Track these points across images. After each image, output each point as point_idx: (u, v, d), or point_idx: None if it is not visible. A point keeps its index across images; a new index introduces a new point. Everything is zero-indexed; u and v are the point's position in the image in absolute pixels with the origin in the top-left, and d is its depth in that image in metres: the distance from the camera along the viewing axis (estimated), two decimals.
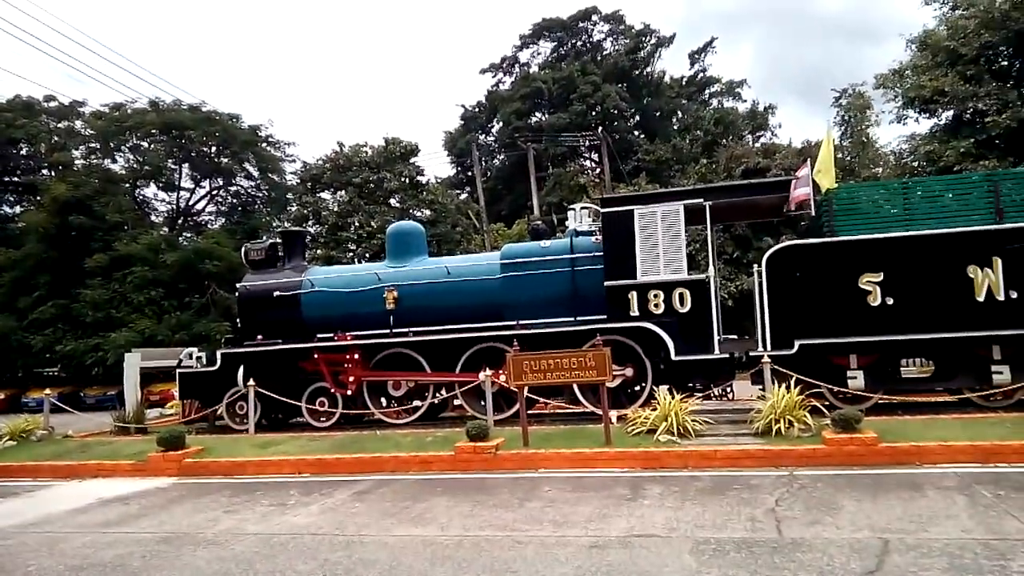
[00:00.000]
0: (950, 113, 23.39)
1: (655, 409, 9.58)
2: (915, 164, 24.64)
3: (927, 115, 24.63)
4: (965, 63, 22.45)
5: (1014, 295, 9.73)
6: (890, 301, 10.15)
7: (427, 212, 33.98)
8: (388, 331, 12.69)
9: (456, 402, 12.71)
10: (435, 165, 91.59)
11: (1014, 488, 6.55)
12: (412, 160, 35.84)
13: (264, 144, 38.90)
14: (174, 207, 39.59)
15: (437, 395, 12.51)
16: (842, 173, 23.01)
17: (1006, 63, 22.93)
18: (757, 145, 35.45)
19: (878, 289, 10.21)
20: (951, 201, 10.66)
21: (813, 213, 11.39)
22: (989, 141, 21.24)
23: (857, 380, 10.37)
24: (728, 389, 11.50)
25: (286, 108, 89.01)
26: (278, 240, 15.05)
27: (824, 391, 10.26)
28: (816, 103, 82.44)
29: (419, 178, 35.97)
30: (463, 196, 43.37)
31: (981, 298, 9.86)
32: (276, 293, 13.49)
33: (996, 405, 10.07)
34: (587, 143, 40.02)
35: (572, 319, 11.71)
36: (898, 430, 8.59)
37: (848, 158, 29.89)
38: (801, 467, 7.99)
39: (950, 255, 10.03)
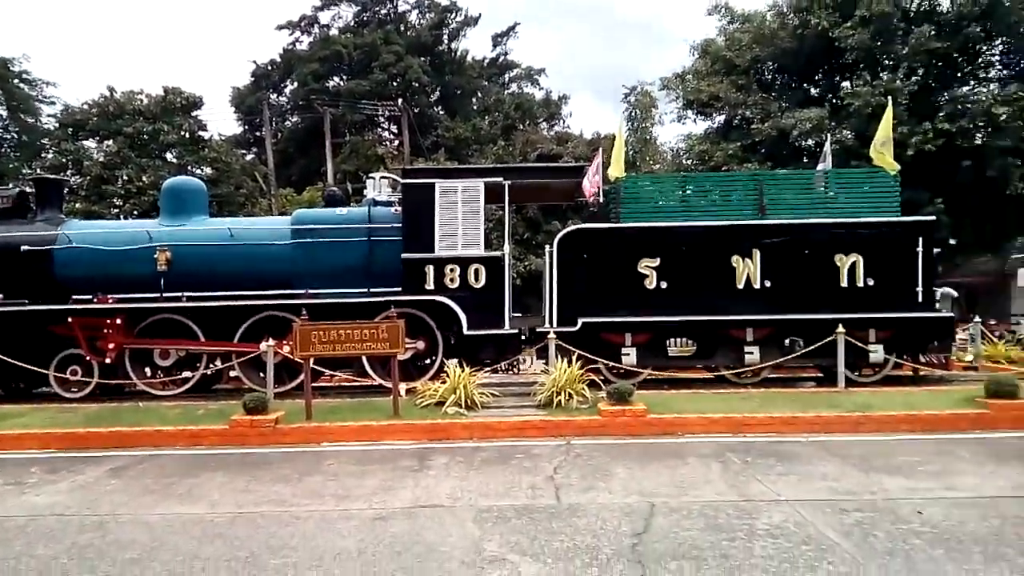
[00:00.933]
0: (723, 117, 25.63)
1: (445, 382, 9.62)
2: (688, 162, 26.79)
3: (703, 117, 26.84)
4: (738, 73, 24.68)
5: (768, 284, 10.93)
6: (664, 285, 10.98)
7: (208, 170, 31.49)
8: (158, 295, 11.60)
9: (232, 374, 11.93)
10: (220, 122, 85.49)
11: (760, 455, 7.32)
12: (194, 113, 32.99)
13: (17, 80, 33.88)
14: None
15: (211, 366, 11.67)
16: (626, 166, 24.41)
17: (770, 77, 25.52)
18: (551, 133, 36.86)
19: (654, 274, 11.00)
20: (721, 196, 11.73)
21: (602, 200, 11.98)
22: (753, 146, 23.53)
23: (630, 357, 11.08)
24: (515, 364, 11.83)
25: (48, 44, 78.30)
26: (29, 189, 13.16)
27: (601, 366, 10.87)
28: (607, 98, 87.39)
29: (201, 133, 33.25)
30: (250, 157, 40.69)
31: (741, 286, 10.97)
32: (24, 247, 11.78)
33: (747, 382, 11.25)
34: (387, 113, 39.22)
35: (366, 291, 11.40)
36: (665, 403, 9.30)
37: (632, 152, 31.90)
38: (579, 437, 8.40)
39: (718, 245, 11.03)
